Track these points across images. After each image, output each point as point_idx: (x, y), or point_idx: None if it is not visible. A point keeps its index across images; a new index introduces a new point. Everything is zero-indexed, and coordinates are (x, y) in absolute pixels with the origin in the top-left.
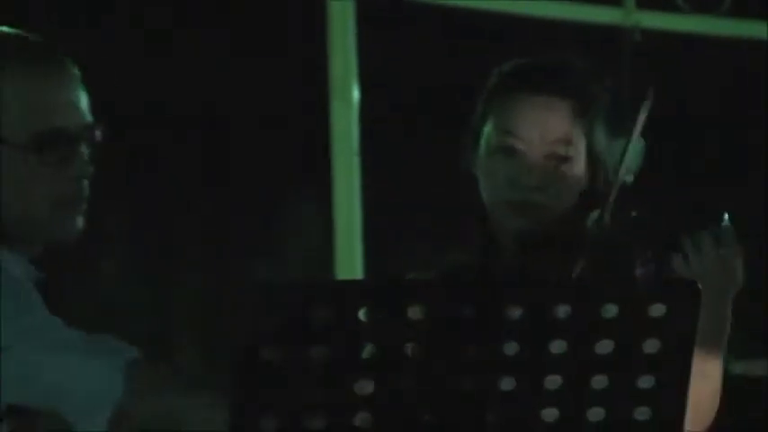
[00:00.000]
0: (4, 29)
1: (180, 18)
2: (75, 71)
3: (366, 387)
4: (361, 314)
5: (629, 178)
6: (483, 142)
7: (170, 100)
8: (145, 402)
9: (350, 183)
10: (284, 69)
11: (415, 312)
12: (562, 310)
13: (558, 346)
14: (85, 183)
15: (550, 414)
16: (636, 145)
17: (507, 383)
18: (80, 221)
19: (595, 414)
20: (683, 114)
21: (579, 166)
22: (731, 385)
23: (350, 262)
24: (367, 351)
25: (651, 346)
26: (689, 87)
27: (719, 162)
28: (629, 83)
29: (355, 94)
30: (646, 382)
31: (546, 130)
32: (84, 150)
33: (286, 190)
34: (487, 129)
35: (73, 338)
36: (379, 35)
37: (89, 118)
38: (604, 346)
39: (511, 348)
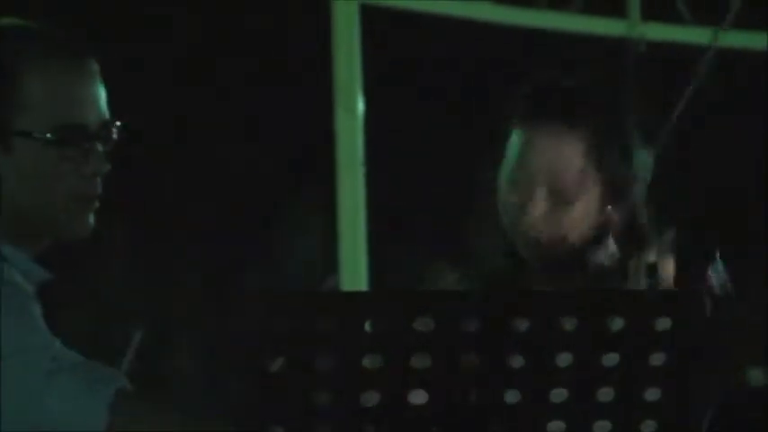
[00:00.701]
0: (28, 22)
1: (190, 25)
2: (96, 66)
3: (372, 398)
4: (367, 325)
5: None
6: (501, 173)
7: (174, 106)
8: None
9: (355, 193)
10: (289, 79)
11: (421, 324)
12: (568, 323)
13: (564, 359)
14: (99, 180)
15: (557, 427)
16: (646, 159)
17: (513, 396)
18: (92, 219)
19: (601, 427)
20: (689, 125)
21: (591, 199)
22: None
23: (354, 272)
24: (372, 362)
25: (657, 358)
26: (693, 97)
27: (724, 171)
28: (634, 94)
29: (360, 104)
30: (652, 394)
31: (556, 162)
32: (101, 147)
33: (291, 200)
34: (505, 160)
35: (67, 364)
36: (384, 46)
37: (107, 115)
38: (610, 359)
39: (517, 361)
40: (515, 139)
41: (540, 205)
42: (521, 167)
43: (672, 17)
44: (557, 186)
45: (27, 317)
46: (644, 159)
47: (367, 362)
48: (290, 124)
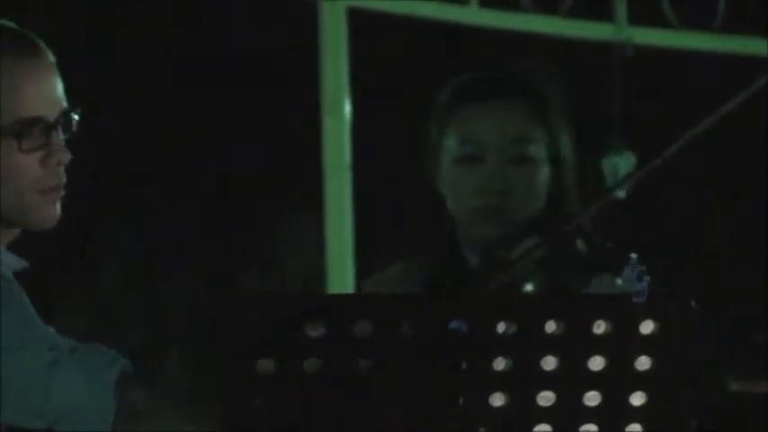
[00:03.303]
0: None
1: (178, 38)
2: (52, 58)
3: (358, 401)
4: (356, 328)
5: (622, 194)
6: (444, 156)
7: (165, 116)
8: (132, 422)
9: (342, 197)
10: (276, 84)
11: (406, 327)
12: (554, 327)
13: (549, 363)
14: (62, 170)
15: (543, 430)
16: (628, 160)
17: (498, 399)
18: (59, 208)
19: (588, 430)
20: (675, 129)
21: (543, 168)
22: (731, 402)
23: (341, 276)
24: (361, 365)
25: (642, 362)
26: (680, 102)
27: (714, 177)
28: (622, 99)
29: (347, 108)
30: (637, 398)
31: (504, 131)
32: (62, 136)
33: (277, 205)
34: (447, 142)
35: (67, 352)
36: (371, 50)
37: (65, 104)
38: (596, 363)
39: (502, 364)
40: (456, 126)
41: (503, 173)
42: (468, 141)
43: (659, 21)
44: (514, 153)
45: (21, 309)
46: (627, 161)
47: (356, 363)
48: (277, 127)
